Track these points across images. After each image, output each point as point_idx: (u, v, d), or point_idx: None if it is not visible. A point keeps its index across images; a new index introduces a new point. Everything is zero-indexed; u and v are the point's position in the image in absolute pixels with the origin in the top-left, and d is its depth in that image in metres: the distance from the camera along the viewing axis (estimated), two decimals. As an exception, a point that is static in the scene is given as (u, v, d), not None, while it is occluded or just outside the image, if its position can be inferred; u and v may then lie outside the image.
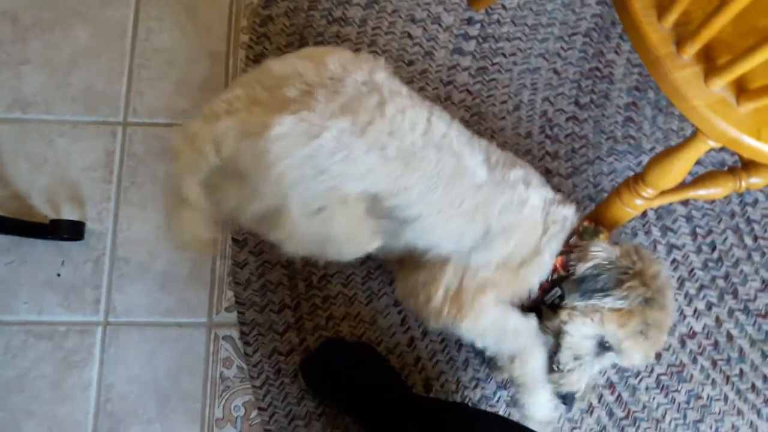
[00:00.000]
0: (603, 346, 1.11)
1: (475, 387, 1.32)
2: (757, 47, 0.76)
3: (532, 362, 1.12)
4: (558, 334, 1.12)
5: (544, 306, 1.14)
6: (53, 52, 1.44)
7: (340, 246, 1.02)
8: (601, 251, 1.08)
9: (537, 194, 1.11)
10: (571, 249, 1.12)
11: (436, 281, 1.09)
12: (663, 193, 1.15)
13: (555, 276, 1.12)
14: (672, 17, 0.87)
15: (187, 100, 1.44)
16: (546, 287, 1.12)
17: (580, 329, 1.09)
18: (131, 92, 1.44)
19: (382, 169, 0.95)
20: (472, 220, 1.05)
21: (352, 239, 1.02)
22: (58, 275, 1.31)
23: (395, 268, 1.23)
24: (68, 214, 1.34)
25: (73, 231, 1.31)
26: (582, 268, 1.08)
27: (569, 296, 1.09)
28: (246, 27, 1.51)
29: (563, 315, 1.10)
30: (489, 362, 1.30)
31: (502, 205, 1.07)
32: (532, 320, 1.12)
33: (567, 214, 1.14)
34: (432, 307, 1.10)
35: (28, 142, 1.38)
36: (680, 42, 0.87)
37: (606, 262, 1.08)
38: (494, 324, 1.10)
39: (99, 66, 1.45)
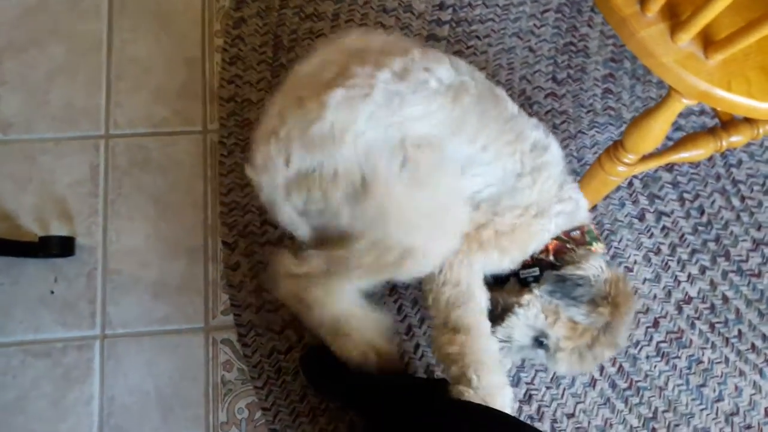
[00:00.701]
0: (539, 343, 1.11)
1: (476, 369, 1.31)
2: (715, -5, 0.77)
3: (484, 339, 1.07)
4: (506, 310, 1.10)
5: (515, 278, 1.14)
6: (29, 71, 1.45)
7: (443, 203, 1.02)
8: (595, 268, 1.09)
9: (556, 147, 1.13)
10: (569, 240, 1.13)
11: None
12: (644, 158, 1.15)
13: (542, 255, 1.13)
14: (633, -23, 0.88)
15: (166, 107, 1.44)
16: (528, 263, 1.13)
17: (531, 318, 1.09)
18: (111, 105, 1.44)
19: (434, 103, 1.00)
20: (513, 155, 1.08)
21: (448, 184, 1.03)
22: (52, 292, 1.31)
23: None
24: (57, 230, 1.34)
25: (63, 247, 1.31)
26: (570, 271, 1.09)
27: (542, 285, 1.10)
28: (219, 30, 1.51)
29: (524, 298, 1.09)
30: None
31: (532, 142, 1.09)
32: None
33: (581, 203, 1.16)
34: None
35: (11, 163, 1.38)
36: (644, 1, 0.87)
37: (593, 279, 1.09)
38: (470, 282, 1.08)
39: (76, 81, 1.45)
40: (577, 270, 1.09)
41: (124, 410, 1.26)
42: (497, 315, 1.11)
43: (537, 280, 1.11)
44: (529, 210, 1.10)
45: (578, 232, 1.14)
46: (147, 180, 1.39)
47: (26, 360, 1.27)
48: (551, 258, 1.12)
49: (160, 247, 1.35)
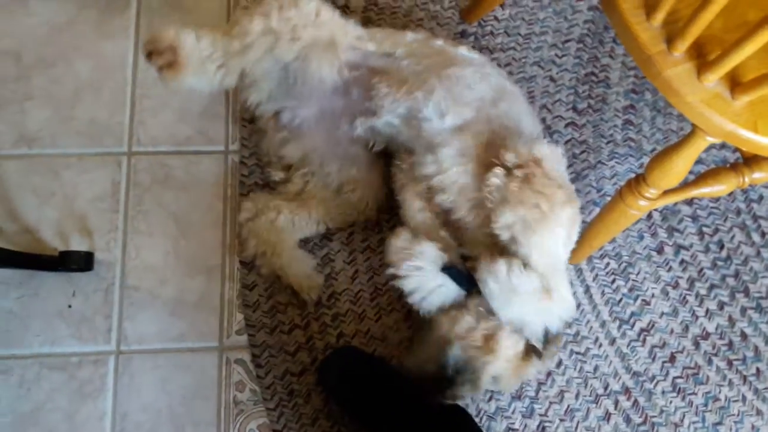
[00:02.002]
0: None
1: (489, 400, 1.31)
2: (744, 39, 0.77)
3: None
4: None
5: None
6: (56, 87, 1.47)
7: None
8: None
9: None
10: None
11: None
12: (666, 193, 1.14)
13: None
14: (660, 16, 0.88)
15: (190, 127, 1.46)
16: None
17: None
18: (134, 122, 1.46)
19: None
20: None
21: None
22: (69, 306, 1.32)
23: None
24: (77, 245, 1.36)
25: (82, 262, 1.32)
26: None
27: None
28: (244, 52, 1.52)
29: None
30: None
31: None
32: None
33: None
34: None
35: (35, 177, 1.40)
36: (670, 39, 0.88)
37: None
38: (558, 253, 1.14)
39: (101, 98, 1.47)
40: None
41: (136, 427, 1.26)
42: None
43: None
44: (556, 191, 1.10)
45: None
46: (167, 198, 1.41)
47: (42, 372, 1.28)
48: None
49: (178, 265, 1.36)
